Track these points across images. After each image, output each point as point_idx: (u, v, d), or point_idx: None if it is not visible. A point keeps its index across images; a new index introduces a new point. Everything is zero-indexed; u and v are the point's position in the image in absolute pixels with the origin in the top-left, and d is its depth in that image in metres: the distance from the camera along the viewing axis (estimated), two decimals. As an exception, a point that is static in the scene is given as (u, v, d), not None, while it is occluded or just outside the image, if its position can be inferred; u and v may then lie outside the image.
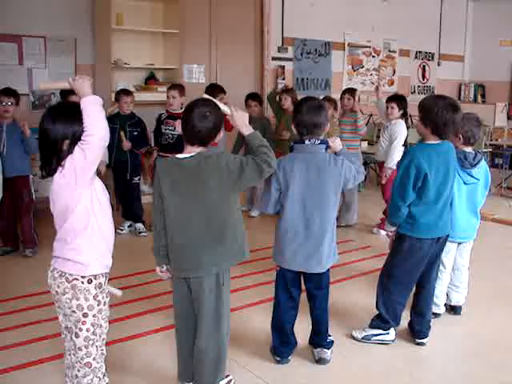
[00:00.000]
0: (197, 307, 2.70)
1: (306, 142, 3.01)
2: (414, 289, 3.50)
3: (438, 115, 3.14)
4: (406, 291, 3.44)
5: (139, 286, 4.24)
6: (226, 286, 2.72)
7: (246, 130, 2.70)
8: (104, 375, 2.44)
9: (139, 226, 5.78)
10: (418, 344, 3.46)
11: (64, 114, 2.28)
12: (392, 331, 3.48)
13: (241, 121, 2.71)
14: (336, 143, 3.07)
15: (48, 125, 2.26)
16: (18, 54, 6.37)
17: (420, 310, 3.50)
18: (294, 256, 3.04)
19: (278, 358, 3.22)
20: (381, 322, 3.47)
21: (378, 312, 3.49)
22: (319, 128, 3.01)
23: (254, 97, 6.50)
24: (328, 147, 3.03)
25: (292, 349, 3.26)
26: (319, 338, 3.27)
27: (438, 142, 3.22)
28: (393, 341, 3.47)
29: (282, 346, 3.23)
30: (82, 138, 2.22)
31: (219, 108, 2.67)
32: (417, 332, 3.49)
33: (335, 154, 3.06)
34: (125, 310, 3.72)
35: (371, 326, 3.50)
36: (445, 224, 3.34)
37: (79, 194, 2.26)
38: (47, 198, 2.40)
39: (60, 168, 2.26)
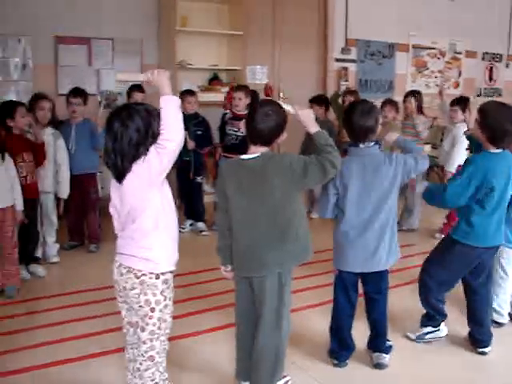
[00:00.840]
0: (258, 307, 2.72)
1: (361, 145, 3.01)
2: (467, 297, 3.44)
3: (498, 124, 3.04)
4: (446, 290, 3.43)
5: (197, 285, 4.30)
6: (288, 286, 2.72)
7: (313, 128, 2.67)
8: (164, 370, 2.48)
9: (201, 225, 5.86)
10: (480, 353, 3.38)
11: (143, 117, 2.26)
12: (443, 327, 3.49)
13: (307, 118, 2.69)
14: (391, 137, 3.05)
15: (132, 126, 2.22)
16: (87, 55, 6.59)
17: (478, 319, 3.41)
18: (354, 258, 3.02)
19: (336, 362, 3.22)
20: (428, 319, 3.48)
21: (425, 311, 3.50)
22: (372, 132, 2.99)
23: (319, 99, 6.49)
24: (380, 146, 3.03)
25: (350, 352, 3.24)
26: (378, 343, 3.24)
27: (499, 151, 3.12)
28: (445, 336, 3.49)
29: (340, 349, 3.22)
30: (159, 141, 2.23)
31: (282, 108, 2.66)
32: (478, 341, 3.41)
33: (391, 149, 3.06)
34: (181, 308, 3.73)
35: (422, 325, 3.51)
36: (501, 233, 3.26)
37: (151, 195, 2.29)
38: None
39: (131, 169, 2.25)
